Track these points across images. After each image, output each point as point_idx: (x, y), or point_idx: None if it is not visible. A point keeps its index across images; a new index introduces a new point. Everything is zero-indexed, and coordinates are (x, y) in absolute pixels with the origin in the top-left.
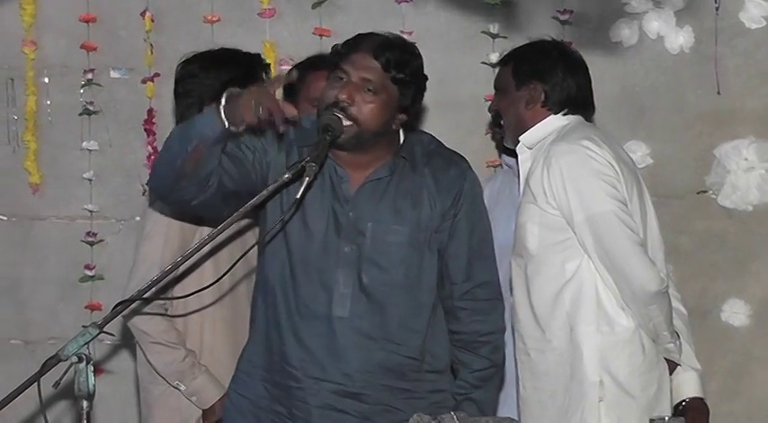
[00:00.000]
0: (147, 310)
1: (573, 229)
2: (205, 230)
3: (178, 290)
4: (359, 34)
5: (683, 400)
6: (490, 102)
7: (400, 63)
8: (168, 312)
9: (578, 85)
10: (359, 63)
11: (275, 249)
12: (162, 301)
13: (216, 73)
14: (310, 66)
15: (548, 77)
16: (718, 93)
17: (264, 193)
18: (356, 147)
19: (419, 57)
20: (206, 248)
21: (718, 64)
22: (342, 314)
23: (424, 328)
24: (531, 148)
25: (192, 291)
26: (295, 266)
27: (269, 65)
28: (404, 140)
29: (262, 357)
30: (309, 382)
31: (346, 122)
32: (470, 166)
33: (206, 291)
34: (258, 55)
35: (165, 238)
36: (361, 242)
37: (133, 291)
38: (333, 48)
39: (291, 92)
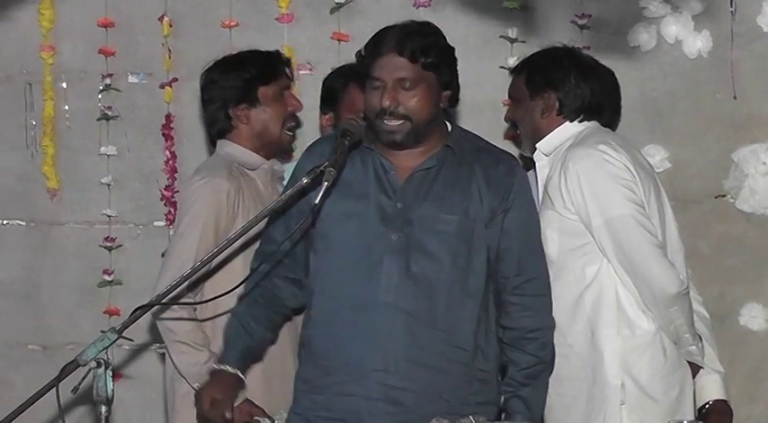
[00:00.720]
0: (174, 306)
1: (591, 233)
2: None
3: (208, 288)
4: (375, 36)
5: (707, 403)
6: (507, 107)
7: (425, 49)
8: (197, 314)
9: (592, 91)
10: (388, 65)
11: (319, 249)
12: (190, 298)
13: (236, 74)
14: (354, 76)
15: (561, 86)
16: (735, 97)
17: (283, 197)
18: (415, 142)
19: (438, 32)
20: (237, 245)
21: (735, 68)
22: (388, 299)
23: (474, 318)
24: (548, 155)
25: (215, 295)
26: (342, 261)
27: (289, 60)
28: (451, 131)
29: (308, 372)
30: (356, 373)
31: (397, 122)
32: (519, 163)
33: (237, 290)
34: (277, 51)
35: (201, 236)
36: (409, 231)
37: (164, 287)
38: (357, 55)
39: (331, 101)
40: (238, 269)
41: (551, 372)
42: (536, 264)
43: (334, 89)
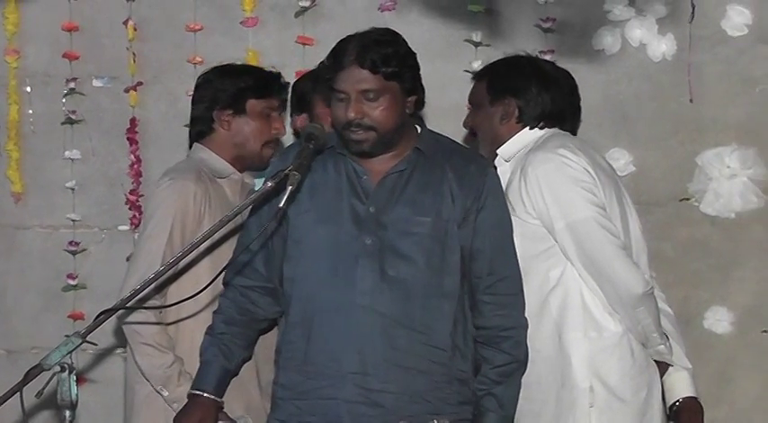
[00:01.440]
0: (143, 312)
1: (554, 237)
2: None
3: (173, 291)
4: (336, 48)
5: (677, 400)
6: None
7: (385, 59)
8: (161, 317)
9: (553, 100)
10: (350, 78)
11: (292, 255)
12: (156, 301)
13: (231, 80)
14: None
15: (522, 93)
16: (691, 101)
17: (247, 202)
18: (383, 150)
19: (398, 39)
20: (203, 248)
21: (700, 71)
22: (364, 302)
23: (451, 319)
24: (508, 161)
25: (180, 299)
26: (317, 266)
27: (287, 85)
28: (420, 134)
29: (290, 379)
30: (335, 377)
31: (364, 133)
32: (491, 164)
33: (201, 294)
34: (279, 75)
35: (168, 238)
36: (382, 234)
37: (131, 288)
38: (320, 66)
39: (303, 101)
40: (203, 273)
41: (524, 372)
42: (508, 263)
43: (306, 91)
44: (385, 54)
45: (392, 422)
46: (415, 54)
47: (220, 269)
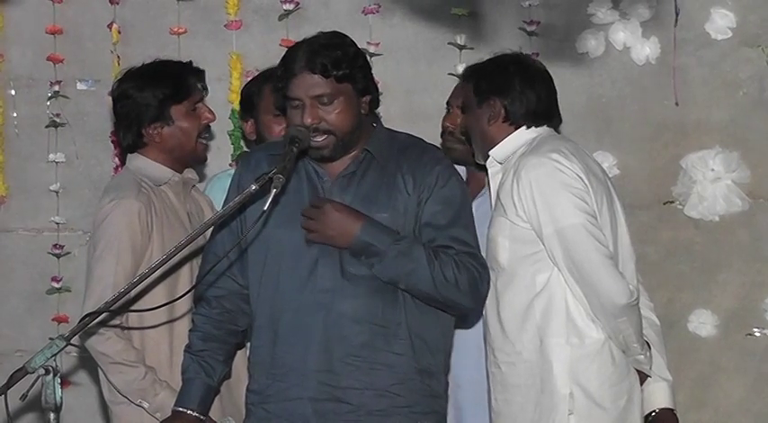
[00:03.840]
0: (101, 329)
1: (543, 242)
2: (155, 248)
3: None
4: (286, 55)
5: (653, 411)
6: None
7: (335, 62)
8: (124, 328)
9: (538, 97)
10: (302, 85)
11: (257, 259)
12: (117, 319)
13: (150, 93)
14: (267, 79)
15: (506, 92)
16: (677, 104)
17: (231, 205)
18: (343, 152)
19: (345, 41)
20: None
21: (683, 74)
22: (325, 301)
23: (414, 312)
24: (501, 163)
25: (152, 306)
26: (278, 267)
27: (203, 72)
28: (372, 134)
29: (259, 383)
30: (300, 376)
31: (322, 137)
32: (446, 156)
33: (162, 308)
34: (190, 63)
35: (117, 259)
36: None
37: (88, 311)
38: (267, 71)
39: (250, 107)
40: (159, 290)
41: (470, 284)
42: (466, 235)
43: (251, 95)
44: (334, 57)
45: (362, 418)
46: (364, 55)
47: (191, 279)
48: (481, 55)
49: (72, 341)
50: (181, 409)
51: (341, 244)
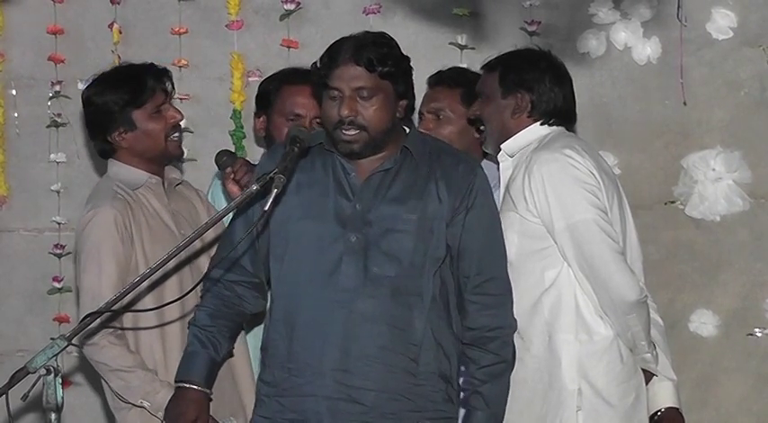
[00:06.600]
0: (95, 339)
1: (553, 237)
2: (138, 252)
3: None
4: (331, 46)
5: (659, 410)
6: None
7: (381, 58)
8: (119, 331)
9: (564, 97)
10: (345, 75)
11: (276, 253)
12: (111, 325)
13: (111, 98)
14: (285, 79)
15: (535, 87)
16: (684, 103)
17: (232, 205)
18: (373, 151)
19: (393, 42)
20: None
21: (685, 74)
22: (347, 299)
23: (435, 317)
24: (512, 157)
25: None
26: (302, 263)
27: (166, 72)
28: (408, 134)
29: (274, 376)
30: (316, 374)
31: (355, 132)
32: (481, 165)
33: (154, 312)
34: (152, 65)
35: (100, 268)
36: (367, 232)
37: (82, 323)
38: (312, 67)
39: (265, 104)
40: (147, 294)
41: (512, 370)
42: (497, 264)
43: (268, 92)
44: (381, 53)
45: (374, 419)
46: (409, 59)
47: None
48: (482, 55)
49: (73, 341)
50: (186, 385)
51: None
